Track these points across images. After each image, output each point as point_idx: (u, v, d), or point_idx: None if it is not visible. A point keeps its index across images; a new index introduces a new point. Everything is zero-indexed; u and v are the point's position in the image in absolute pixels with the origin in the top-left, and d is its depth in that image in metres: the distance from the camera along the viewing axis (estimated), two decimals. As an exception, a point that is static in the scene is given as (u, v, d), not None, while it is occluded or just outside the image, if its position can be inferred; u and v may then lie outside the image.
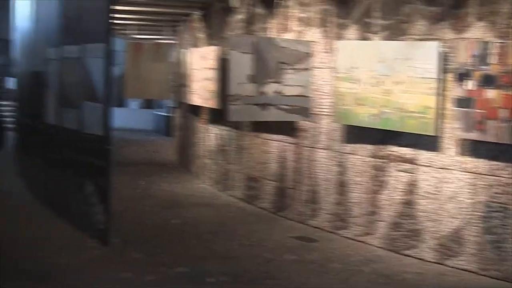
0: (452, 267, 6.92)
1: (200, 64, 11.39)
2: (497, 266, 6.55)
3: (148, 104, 25.54)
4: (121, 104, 26.26)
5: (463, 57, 6.59)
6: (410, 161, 7.35)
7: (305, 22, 8.85)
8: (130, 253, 7.22)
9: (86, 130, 7.55)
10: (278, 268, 6.91)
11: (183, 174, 13.37)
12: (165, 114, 21.53)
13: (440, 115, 6.94)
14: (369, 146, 7.87)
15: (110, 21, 6.95)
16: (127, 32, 15.86)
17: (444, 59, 6.91)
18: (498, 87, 6.31)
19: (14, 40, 12.94)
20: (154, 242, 7.75)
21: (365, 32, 7.88)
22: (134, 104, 26.77)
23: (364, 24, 7.90)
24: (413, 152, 7.32)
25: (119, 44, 24.56)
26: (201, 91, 11.34)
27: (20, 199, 9.66)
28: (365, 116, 7.62)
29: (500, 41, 6.37)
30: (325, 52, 8.48)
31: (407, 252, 7.39)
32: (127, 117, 24.51)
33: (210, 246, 7.67)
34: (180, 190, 11.51)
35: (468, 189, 6.80)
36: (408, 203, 7.38)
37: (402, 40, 7.38)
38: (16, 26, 12.34)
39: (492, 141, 6.43)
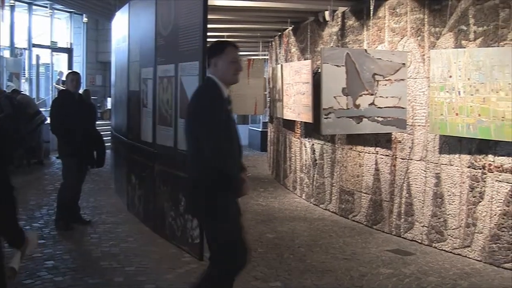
0: None
1: (293, 78, 11.42)
2: None
3: (243, 119, 25.76)
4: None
5: None
6: (509, 170, 7.13)
7: (399, 32, 8.75)
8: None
9: (181, 147, 7.65)
10: (373, 282, 6.81)
11: (277, 188, 13.40)
12: (260, 129, 21.66)
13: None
14: (466, 156, 7.68)
15: (205, 39, 7.05)
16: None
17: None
18: None
19: (112, 62, 13.32)
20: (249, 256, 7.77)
21: (460, 40, 7.72)
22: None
23: (459, 32, 7.74)
24: (512, 162, 7.12)
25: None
26: (295, 105, 11.36)
27: (116, 216, 9.88)
28: (461, 126, 7.45)
29: None
30: (420, 62, 8.36)
31: (507, 265, 7.15)
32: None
33: (305, 260, 7.64)
34: (275, 204, 11.54)
35: None
36: (508, 214, 7.16)
37: (499, 46, 7.18)
38: (113, 48, 12.70)
39: None
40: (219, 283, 4.90)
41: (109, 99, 21.09)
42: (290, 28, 12.83)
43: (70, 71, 13.68)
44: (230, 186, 4.69)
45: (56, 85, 22.01)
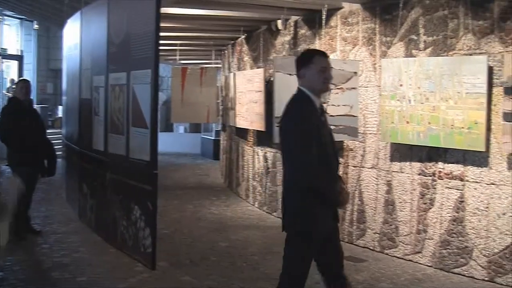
0: (504, 285, 6.78)
1: (246, 87, 11.44)
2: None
3: (195, 128, 25.71)
4: (168, 128, 26.54)
5: (512, 70, 6.51)
6: (459, 177, 7.25)
7: (350, 42, 8.84)
8: (177, 276, 7.23)
9: (133, 156, 7.61)
10: (326, 288, 6.84)
11: (230, 197, 13.39)
12: (213, 137, 21.65)
13: (488, 130, 6.87)
14: (416, 164, 7.79)
15: (157, 47, 7.01)
16: (173, 57, 16.03)
17: (493, 73, 6.84)
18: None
19: (63, 70, 13.17)
20: (202, 265, 7.75)
21: (411, 49, 7.84)
22: (181, 128, 26.99)
23: (410, 41, 7.86)
24: (461, 169, 7.23)
25: (166, 69, 25.06)
26: (248, 113, 11.39)
27: (68, 226, 9.77)
28: (412, 134, 7.56)
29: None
30: (371, 71, 8.45)
31: (456, 270, 7.27)
32: (175, 141, 24.74)
33: (258, 268, 7.65)
34: (227, 213, 11.53)
35: (519, 205, 6.69)
36: (457, 220, 7.28)
37: (449, 55, 7.32)
38: (65, 56, 12.56)
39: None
40: None
41: (60, 107, 20.83)
42: (243, 36, 12.86)
43: (20, 78, 13.48)
44: (323, 202, 4.59)
45: (6, 93, 21.68)
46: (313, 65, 4.65)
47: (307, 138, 4.48)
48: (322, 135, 4.61)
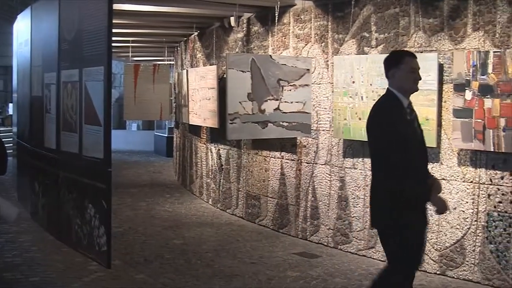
0: (455, 278, 6.91)
1: (199, 84, 11.42)
2: (500, 275, 6.54)
3: (149, 125, 25.58)
4: (121, 126, 26.36)
5: (462, 67, 6.63)
6: (411, 173, 7.34)
7: (303, 39, 8.89)
8: (132, 275, 7.20)
9: (86, 153, 7.55)
10: (280, 285, 6.89)
11: (184, 194, 13.37)
12: (166, 135, 21.56)
13: (439, 126, 6.98)
14: (369, 160, 7.84)
15: (109, 43, 6.96)
16: (126, 54, 15.93)
17: (443, 70, 6.95)
18: (496, 96, 6.34)
19: (13, 66, 12.99)
20: (157, 263, 7.72)
21: (363, 46, 7.92)
22: (134, 125, 26.84)
23: (361, 38, 7.94)
24: (413, 165, 7.32)
25: (118, 66, 24.87)
26: (201, 110, 11.37)
27: (19, 225, 9.63)
28: (364, 130, 7.61)
29: (497, 50, 6.40)
30: (324, 68, 8.51)
31: (410, 265, 7.38)
32: (128, 139, 24.60)
33: (213, 265, 7.65)
34: (181, 210, 11.50)
35: (469, 199, 6.80)
36: (410, 216, 7.37)
37: (399, 53, 7.41)
38: (15, 52, 12.39)
39: (492, 151, 6.45)
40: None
41: (11, 105, 20.53)
42: (196, 33, 12.83)
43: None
44: (410, 202, 4.63)
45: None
46: (403, 66, 4.72)
47: (393, 140, 4.57)
48: (408, 136, 4.67)
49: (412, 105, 4.87)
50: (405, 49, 7.31)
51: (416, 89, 4.84)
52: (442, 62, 6.97)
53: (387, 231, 4.79)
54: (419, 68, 4.82)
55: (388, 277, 4.90)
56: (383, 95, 4.90)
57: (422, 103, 6.93)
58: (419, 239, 4.84)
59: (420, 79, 4.85)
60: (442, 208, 4.80)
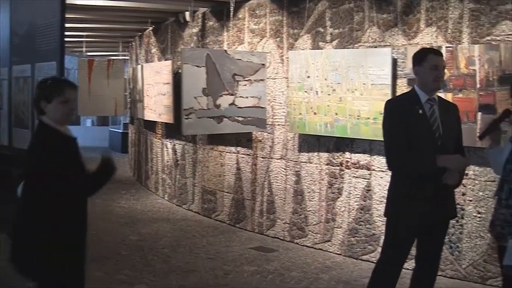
0: (410, 270, 6.97)
1: (154, 79, 11.36)
2: (453, 265, 6.64)
3: (103, 121, 25.35)
4: (75, 121, 26.09)
5: (414, 62, 6.69)
6: (365, 167, 7.41)
7: (258, 33, 8.90)
8: (89, 272, 7.12)
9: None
10: (237, 279, 6.90)
11: (140, 190, 13.30)
12: (121, 130, 21.37)
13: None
14: (324, 154, 7.92)
15: (62, 38, 6.87)
16: (79, 49, 15.76)
17: (397, 65, 7.02)
18: (449, 91, 6.42)
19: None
20: (113, 260, 7.67)
21: (318, 41, 7.96)
22: (88, 121, 26.59)
23: (316, 33, 7.98)
24: (368, 158, 7.40)
25: (72, 61, 24.59)
26: (156, 106, 11.31)
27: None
28: (319, 125, 7.68)
29: (449, 45, 6.49)
30: (279, 63, 8.53)
31: (365, 257, 7.45)
32: (82, 134, 24.28)
33: (169, 261, 7.62)
34: (137, 206, 11.44)
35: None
36: (364, 209, 7.45)
37: (354, 47, 7.47)
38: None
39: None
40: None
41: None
42: (151, 28, 12.75)
43: None
44: (420, 190, 4.66)
45: None
46: (425, 63, 4.70)
47: (394, 131, 4.69)
48: (415, 129, 4.65)
49: (437, 101, 4.78)
50: (359, 44, 7.38)
51: (438, 87, 4.84)
52: (395, 57, 7.04)
53: (388, 222, 4.98)
54: (443, 66, 4.82)
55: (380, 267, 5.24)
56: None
57: (376, 97, 7.01)
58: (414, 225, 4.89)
59: (443, 76, 4.85)
60: (451, 179, 4.71)
